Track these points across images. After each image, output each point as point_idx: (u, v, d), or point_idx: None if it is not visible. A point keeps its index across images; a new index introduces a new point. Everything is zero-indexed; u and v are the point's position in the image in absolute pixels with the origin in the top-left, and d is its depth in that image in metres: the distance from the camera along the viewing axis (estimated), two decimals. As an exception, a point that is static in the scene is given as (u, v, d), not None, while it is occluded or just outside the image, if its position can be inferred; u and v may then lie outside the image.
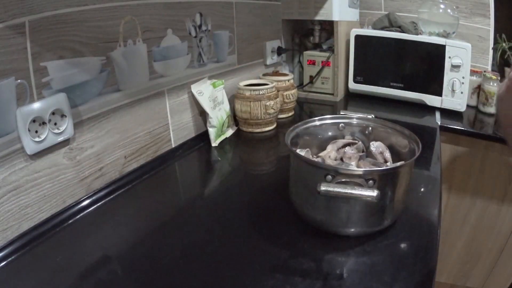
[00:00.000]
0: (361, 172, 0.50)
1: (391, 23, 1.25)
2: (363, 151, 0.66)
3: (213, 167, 0.87)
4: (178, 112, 0.88)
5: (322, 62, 1.30)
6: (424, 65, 1.18)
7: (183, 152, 0.89)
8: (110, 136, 0.70)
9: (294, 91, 1.14)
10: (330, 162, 0.64)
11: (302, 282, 0.47)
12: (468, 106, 1.24)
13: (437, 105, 1.19)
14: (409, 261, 0.50)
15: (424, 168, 0.78)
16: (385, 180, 0.51)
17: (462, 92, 1.16)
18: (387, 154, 0.64)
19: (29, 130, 0.54)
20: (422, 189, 0.70)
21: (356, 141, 0.67)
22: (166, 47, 0.81)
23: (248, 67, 1.18)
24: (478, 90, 1.26)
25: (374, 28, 1.29)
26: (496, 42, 1.34)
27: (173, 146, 0.88)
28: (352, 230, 0.54)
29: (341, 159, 0.66)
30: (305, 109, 1.30)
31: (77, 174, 0.64)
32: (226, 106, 0.99)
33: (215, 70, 1.01)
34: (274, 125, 1.06)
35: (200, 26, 0.91)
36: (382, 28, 1.27)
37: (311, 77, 1.35)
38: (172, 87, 0.85)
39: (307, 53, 1.34)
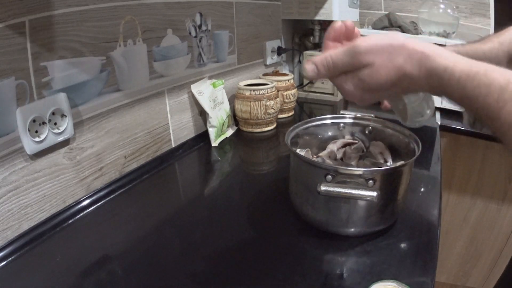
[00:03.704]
0: (361, 172, 0.50)
1: (391, 23, 1.25)
2: (363, 151, 0.66)
3: (213, 167, 0.87)
4: (178, 112, 0.88)
5: (322, 62, 1.30)
6: (424, 65, 1.18)
7: (183, 152, 0.89)
8: (110, 136, 0.70)
9: (294, 91, 1.14)
10: (330, 162, 0.64)
11: (302, 282, 0.47)
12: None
13: (437, 105, 1.19)
14: (409, 261, 0.50)
15: (424, 168, 0.78)
16: (385, 180, 0.51)
17: (462, 92, 1.16)
18: (387, 154, 0.64)
19: (29, 130, 0.54)
20: (422, 189, 0.70)
21: (356, 141, 0.67)
22: (166, 47, 0.81)
23: (248, 67, 1.18)
24: (478, 90, 1.26)
25: (374, 28, 1.29)
26: (496, 42, 1.34)
27: (173, 146, 0.88)
28: (352, 230, 0.54)
29: (341, 159, 0.66)
30: (305, 109, 1.30)
31: (77, 174, 0.64)
32: (226, 106, 0.99)
33: (215, 70, 1.01)
34: (274, 125, 1.06)
35: (200, 26, 0.91)
36: (382, 28, 1.27)
37: (311, 77, 1.35)
38: (172, 87, 0.85)
39: (307, 53, 1.34)
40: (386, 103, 0.55)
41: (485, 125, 0.33)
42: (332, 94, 1.34)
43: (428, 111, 0.50)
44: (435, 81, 0.34)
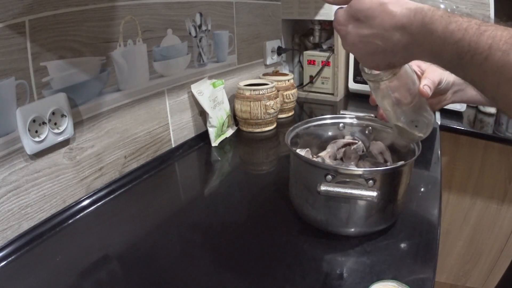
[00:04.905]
0: (361, 172, 0.50)
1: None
2: (363, 151, 0.66)
3: (213, 167, 0.87)
4: (178, 112, 0.88)
5: (322, 62, 1.30)
6: (424, 65, 1.18)
7: (183, 152, 0.89)
8: (110, 136, 0.70)
9: (294, 91, 1.14)
10: (330, 162, 0.64)
11: (302, 282, 0.47)
12: (468, 106, 1.24)
13: (437, 105, 1.19)
14: (409, 261, 0.50)
15: (424, 168, 0.78)
16: (385, 180, 0.51)
17: (462, 92, 1.16)
18: (387, 154, 0.64)
19: (29, 130, 0.54)
20: (422, 189, 0.70)
21: (356, 141, 0.67)
22: (166, 47, 0.81)
23: (248, 67, 1.18)
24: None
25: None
26: (496, 42, 1.33)
27: (173, 146, 0.88)
28: (352, 230, 0.54)
29: (341, 159, 0.66)
30: (305, 109, 1.30)
31: (77, 174, 0.64)
32: (226, 106, 0.99)
33: (215, 70, 1.01)
34: (274, 125, 1.06)
35: (200, 26, 0.91)
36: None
37: (311, 77, 1.35)
38: (172, 87, 0.85)
39: (307, 53, 1.34)
40: (381, 112, 0.56)
41: (463, 64, 0.34)
42: (332, 94, 1.34)
43: (424, 119, 0.51)
44: (419, 18, 0.35)
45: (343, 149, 0.66)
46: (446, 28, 0.33)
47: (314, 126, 0.68)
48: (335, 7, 0.43)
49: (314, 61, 1.33)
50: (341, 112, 0.70)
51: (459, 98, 0.59)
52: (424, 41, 0.36)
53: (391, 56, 0.40)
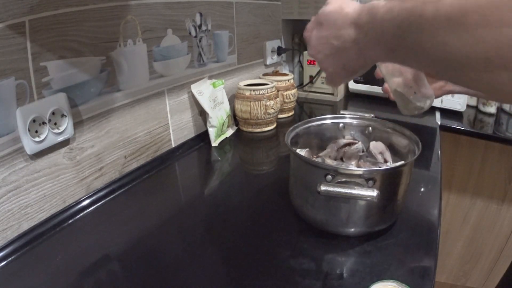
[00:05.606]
0: (361, 172, 0.50)
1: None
2: (363, 151, 0.66)
3: (213, 167, 0.87)
4: (178, 112, 0.88)
5: (322, 62, 1.30)
6: (424, 65, 1.18)
7: (183, 152, 0.89)
8: (110, 136, 0.70)
9: (294, 91, 1.14)
10: (330, 162, 0.64)
11: (302, 282, 0.47)
12: (468, 106, 1.24)
13: (437, 105, 1.19)
14: (409, 261, 0.50)
15: (424, 168, 0.78)
16: (385, 180, 0.51)
17: (462, 92, 1.16)
18: (387, 154, 0.64)
19: (29, 130, 0.54)
20: (422, 189, 0.70)
21: (356, 141, 0.67)
22: (166, 47, 0.81)
23: (248, 67, 1.18)
24: (478, 90, 1.26)
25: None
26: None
27: (173, 146, 0.88)
28: (352, 230, 0.54)
29: (341, 159, 0.66)
30: (305, 109, 1.30)
31: (77, 174, 0.64)
32: (226, 106, 0.99)
33: (215, 70, 1.01)
34: (274, 125, 1.06)
35: (200, 26, 0.91)
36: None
37: (311, 77, 1.35)
38: (172, 87, 0.85)
39: (307, 53, 1.34)
40: (386, 85, 0.55)
41: (405, 36, 0.30)
42: (332, 94, 1.34)
43: (423, 89, 0.50)
44: (365, 10, 0.36)
45: (343, 149, 0.66)
46: (386, 7, 0.32)
47: (314, 126, 0.68)
48: None
49: (314, 61, 1.33)
50: (341, 112, 0.70)
51: (459, 87, 0.60)
52: (369, 29, 0.35)
53: (344, 55, 0.40)
